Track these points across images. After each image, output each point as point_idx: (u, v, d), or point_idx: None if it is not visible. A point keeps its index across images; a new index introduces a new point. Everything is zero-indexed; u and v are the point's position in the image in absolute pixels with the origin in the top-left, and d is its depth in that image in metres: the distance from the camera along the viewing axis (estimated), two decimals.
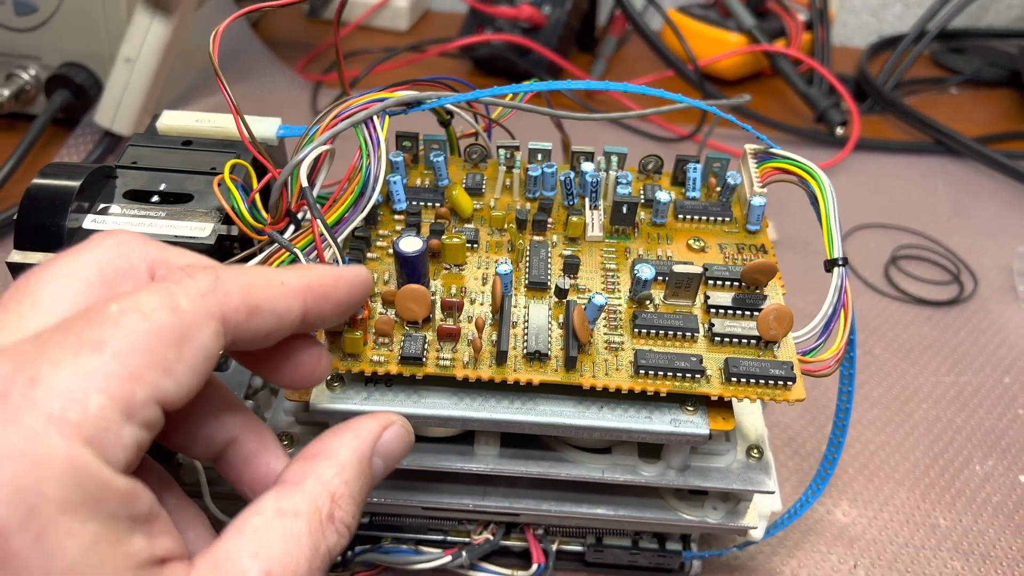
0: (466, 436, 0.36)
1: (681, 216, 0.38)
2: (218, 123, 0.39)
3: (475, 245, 0.37)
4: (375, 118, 0.35)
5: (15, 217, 0.33)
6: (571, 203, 0.39)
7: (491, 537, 0.39)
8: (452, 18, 0.96)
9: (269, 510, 0.23)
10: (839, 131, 0.76)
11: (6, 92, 0.66)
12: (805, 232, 0.64)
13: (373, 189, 0.35)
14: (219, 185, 0.34)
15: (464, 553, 0.39)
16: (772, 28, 0.84)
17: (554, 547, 0.40)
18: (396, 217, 0.38)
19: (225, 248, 0.35)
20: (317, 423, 0.36)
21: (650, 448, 0.36)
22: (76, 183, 0.34)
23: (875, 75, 0.84)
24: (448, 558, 0.39)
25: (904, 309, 0.59)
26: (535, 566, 0.39)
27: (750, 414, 0.38)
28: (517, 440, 0.36)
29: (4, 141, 0.68)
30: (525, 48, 0.80)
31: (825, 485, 0.39)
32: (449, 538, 0.40)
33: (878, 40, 0.93)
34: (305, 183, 0.33)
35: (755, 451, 0.36)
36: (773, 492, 0.35)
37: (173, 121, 0.39)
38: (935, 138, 0.78)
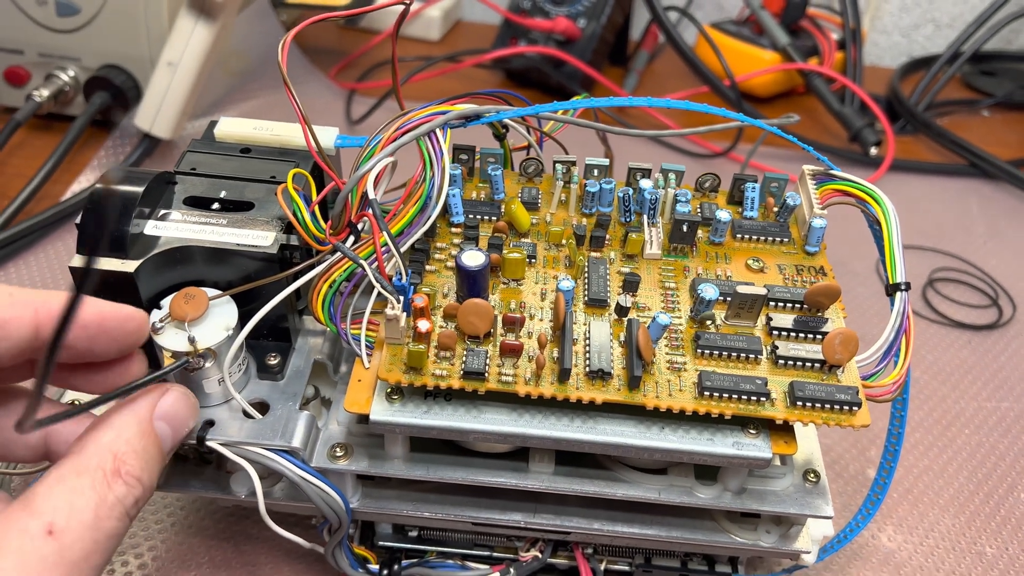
0: (519, 452, 0.36)
1: (739, 236, 0.38)
2: (276, 131, 0.39)
3: (533, 260, 0.36)
4: (437, 131, 0.35)
5: (77, 222, 0.33)
6: (628, 220, 0.38)
7: (539, 555, 0.39)
8: (483, 29, 0.96)
9: (52, 475, 0.26)
10: (873, 151, 0.76)
11: (45, 92, 0.66)
12: (840, 253, 0.64)
13: (436, 202, 0.35)
14: (282, 194, 0.34)
15: (512, 570, 0.38)
16: (805, 46, 0.84)
17: (602, 566, 0.39)
18: (453, 230, 0.38)
19: (286, 257, 0.34)
20: (370, 435, 0.36)
21: (706, 470, 0.36)
22: (140, 188, 0.33)
23: (907, 95, 0.84)
24: (496, 575, 0.38)
25: (943, 332, 0.58)
26: None
27: (805, 437, 0.37)
28: (571, 458, 0.36)
29: (42, 141, 0.68)
30: (559, 60, 0.80)
31: (876, 510, 0.39)
32: (496, 554, 0.40)
33: (909, 60, 0.93)
34: (373, 195, 0.33)
35: (812, 475, 0.36)
36: (831, 517, 0.35)
37: (230, 128, 0.39)
38: (969, 160, 0.78)
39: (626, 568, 0.40)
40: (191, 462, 0.38)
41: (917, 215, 0.71)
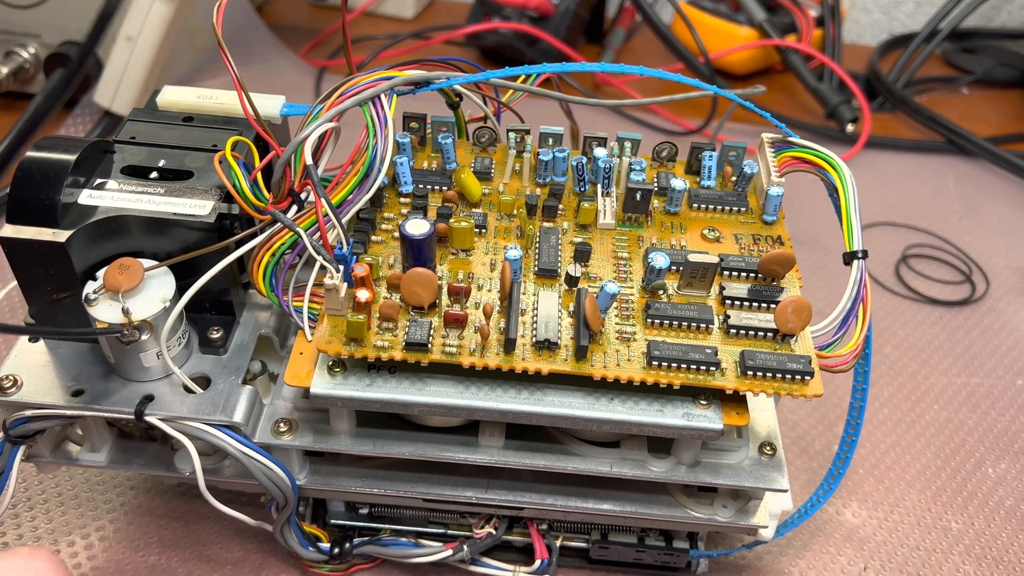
0: (470, 427, 0.35)
1: (696, 205, 0.37)
2: (220, 100, 0.38)
3: (483, 230, 0.36)
4: (383, 97, 0.34)
5: (7, 191, 0.32)
6: (582, 189, 0.38)
7: (493, 531, 0.38)
8: (458, 7, 0.95)
9: None
10: (849, 128, 0.75)
11: (4, 70, 0.65)
12: (814, 228, 0.63)
13: (379, 170, 0.33)
14: (220, 162, 0.33)
15: (465, 547, 0.38)
16: (783, 23, 0.82)
17: (558, 543, 0.39)
18: (402, 200, 0.37)
19: (225, 227, 0.33)
20: (316, 409, 0.35)
21: (660, 443, 0.35)
22: (72, 156, 0.32)
23: (886, 73, 0.83)
24: (449, 552, 0.38)
25: (915, 308, 0.58)
26: (538, 562, 0.38)
27: (763, 410, 0.36)
28: (522, 431, 0.35)
29: (2, 120, 0.67)
30: (533, 37, 0.79)
31: (837, 485, 0.38)
32: (450, 532, 0.39)
33: (889, 38, 0.92)
34: (310, 161, 0.32)
35: (767, 448, 0.35)
36: (786, 490, 0.34)
37: (174, 96, 0.38)
38: (946, 137, 0.77)
39: (582, 544, 0.39)
40: (135, 439, 0.37)
41: (893, 192, 0.70)
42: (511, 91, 0.40)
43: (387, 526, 0.39)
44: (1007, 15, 0.96)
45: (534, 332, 0.32)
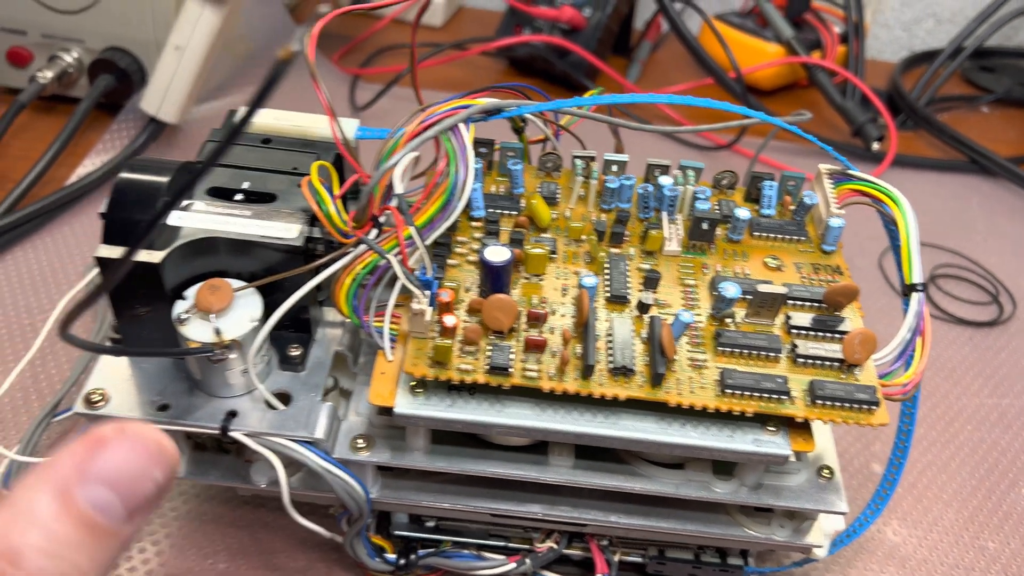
0: (538, 445, 0.36)
1: (756, 233, 0.39)
2: (296, 122, 0.39)
3: (553, 256, 0.37)
4: (461, 126, 0.35)
5: (102, 211, 0.33)
6: (647, 216, 0.39)
7: (555, 546, 0.39)
8: (486, 15, 0.96)
9: None
10: (875, 146, 0.77)
11: (49, 74, 0.65)
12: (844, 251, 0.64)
13: (460, 197, 0.35)
14: (307, 186, 0.34)
15: (528, 560, 0.39)
16: (808, 39, 0.84)
17: (616, 558, 0.40)
18: (473, 224, 0.38)
19: (311, 250, 0.34)
20: (391, 426, 0.36)
21: (722, 464, 0.36)
22: (164, 179, 0.33)
23: (908, 90, 0.84)
24: (512, 565, 0.39)
25: (945, 329, 0.59)
26: None
27: (820, 434, 0.38)
28: (589, 451, 0.36)
29: (44, 123, 0.68)
30: (564, 50, 0.80)
31: (885, 504, 0.40)
32: (510, 545, 0.40)
33: (909, 55, 0.94)
34: (400, 189, 0.33)
35: (826, 471, 0.36)
36: (845, 512, 0.35)
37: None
38: (969, 156, 0.78)
39: (638, 560, 0.40)
40: (209, 452, 0.38)
41: (917, 211, 0.71)
42: (568, 116, 0.42)
43: (449, 538, 0.40)
44: None
45: (610, 358, 0.33)
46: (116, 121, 0.66)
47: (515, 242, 0.37)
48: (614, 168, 0.40)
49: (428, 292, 0.33)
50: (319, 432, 0.34)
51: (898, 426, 0.39)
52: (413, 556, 0.39)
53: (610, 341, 0.33)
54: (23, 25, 0.67)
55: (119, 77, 0.66)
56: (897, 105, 0.85)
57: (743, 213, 0.37)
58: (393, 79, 0.75)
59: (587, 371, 0.32)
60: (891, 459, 0.39)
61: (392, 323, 0.34)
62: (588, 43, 0.81)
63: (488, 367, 0.32)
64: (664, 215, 0.38)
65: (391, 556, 0.39)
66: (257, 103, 0.19)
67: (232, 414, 0.34)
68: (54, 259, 0.56)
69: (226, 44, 0.68)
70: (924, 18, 0.98)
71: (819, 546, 0.37)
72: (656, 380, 0.32)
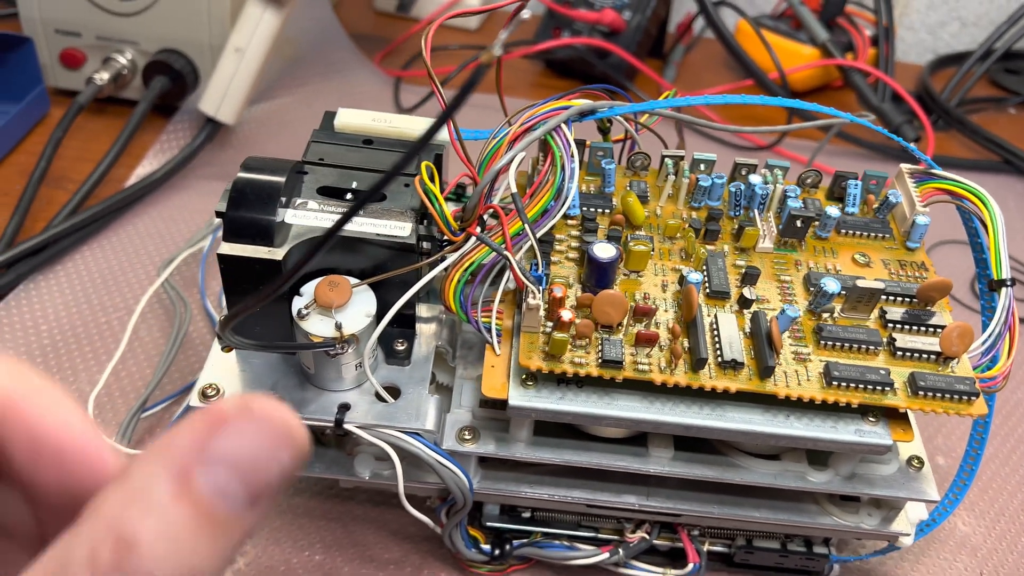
0: (636, 437, 0.37)
1: (843, 231, 0.40)
2: (394, 123, 0.40)
3: (651, 252, 0.38)
4: (563, 125, 0.36)
5: (219, 209, 0.34)
6: (737, 214, 0.40)
7: (646, 536, 0.40)
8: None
9: (44, 557, 0.17)
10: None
11: (106, 76, 0.66)
12: None
13: (567, 195, 0.36)
14: (420, 185, 0.35)
15: (620, 551, 0.40)
16: (840, 42, 0.85)
17: (705, 547, 0.41)
18: (569, 222, 0.39)
19: (422, 247, 0.35)
20: (493, 418, 0.37)
21: (816, 455, 0.37)
22: (281, 178, 0.34)
23: (938, 91, 0.86)
24: (605, 555, 0.40)
25: None
26: (691, 565, 0.40)
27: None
28: (687, 443, 0.37)
29: (98, 124, 0.69)
30: (604, 52, 0.81)
31: (964, 494, 0.41)
32: (600, 535, 0.41)
33: (935, 57, 0.95)
34: (515, 189, 0.34)
35: (916, 461, 0.37)
36: (937, 501, 0.37)
37: (350, 119, 0.40)
38: (1003, 157, 0.79)
39: (723, 549, 0.41)
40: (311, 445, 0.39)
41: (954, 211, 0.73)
42: (647, 115, 0.43)
43: (540, 529, 0.41)
44: None
45: (719, 352, 0.34)
46: (171, 122, 0.66)
47: (613, 239, 0.38)
48: (702, 167, 0.41)
49: (541, 288, 0.34)
50: (429, 424, 0.35)
51: (975, 418, 0.40)
52: (508, 547, 0.40)
53: (716, 335, 0.34)
54: (78, 27, 0.68)
55: (173, 79, 0.67)
56: (928, 106, 0.86)
57: (833, 211, 0.38)
58: (442, 81, 0.76)
59: (698, 364, 0.33)
60: (968, 449, 0.40)
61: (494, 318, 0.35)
62: (628, 45, 0.82)
63: (600, 360, 0.33)
64: (756, 213, 0.39)
65: (485, 547, 0.40)
66: (455, 105, 0.19)
67: (345, 407, 0.35)
68: (123, 258, 0.56)
69: (278, 46, 0.68)
70: (949, 21, 1.00)
71: (907, 534, 0.39)
72: (765, 373, 0.33)
